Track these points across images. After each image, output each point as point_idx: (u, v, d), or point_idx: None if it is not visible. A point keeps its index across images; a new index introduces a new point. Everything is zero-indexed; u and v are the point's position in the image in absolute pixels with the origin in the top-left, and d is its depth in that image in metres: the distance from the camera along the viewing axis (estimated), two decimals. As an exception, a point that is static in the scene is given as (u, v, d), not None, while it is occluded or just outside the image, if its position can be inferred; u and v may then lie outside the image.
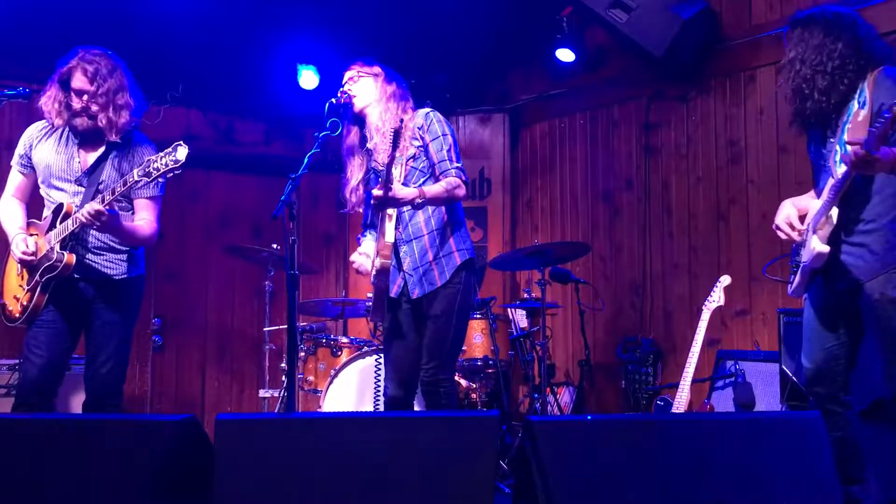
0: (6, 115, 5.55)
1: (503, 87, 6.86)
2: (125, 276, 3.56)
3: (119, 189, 3.31)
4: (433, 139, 3.57)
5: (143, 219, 3.56)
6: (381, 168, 3.46)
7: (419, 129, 3.59)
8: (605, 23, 5.31)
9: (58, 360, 3.46)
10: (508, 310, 5.84)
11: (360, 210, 3.79)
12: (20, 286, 3.48)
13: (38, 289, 3.41)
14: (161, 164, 3.18)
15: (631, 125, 5.93)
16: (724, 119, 5.32)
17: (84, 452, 2.41)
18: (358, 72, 3.66)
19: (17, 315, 3.46)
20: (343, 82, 3.66)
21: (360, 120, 3.69)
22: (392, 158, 3.35)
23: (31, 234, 3.52)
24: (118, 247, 3.54)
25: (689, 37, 5.15)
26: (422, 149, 3.58)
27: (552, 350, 6.08)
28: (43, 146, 3.55)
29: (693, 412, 4.54)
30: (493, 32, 6.29)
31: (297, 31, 5.84)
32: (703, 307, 4.43)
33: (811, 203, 3.13)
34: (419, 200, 3.42)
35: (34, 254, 3.42)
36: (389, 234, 3.49)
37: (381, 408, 4.10)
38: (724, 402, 4.56)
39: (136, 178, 3.24)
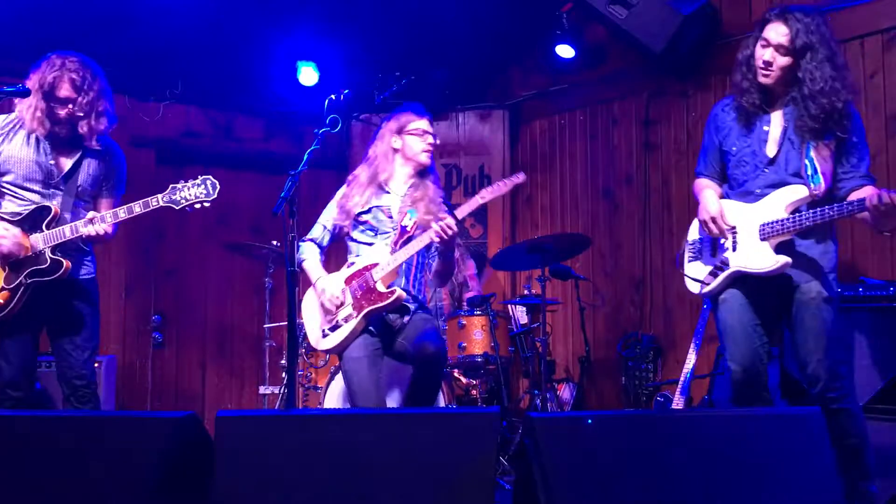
0: (5, 112, 5.53)
1: (503, 84, 6.85)
2: (89, 275, 3.66)
3: (137, 210, 3.40)
4: None
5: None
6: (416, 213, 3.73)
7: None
8: (605, 19, 5.31)
9: (29, 362, 3.51)
10: (508, 306, 5.84)
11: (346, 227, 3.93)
12: None
13: (22, 290, 3.41)
14: (190, 195, 3.35)
15: (631, 121, 5.92)
16: (724, 115, 5.31)
17: (85, 450, 2.41)
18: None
19: None
20: (431, 131, 3.83)
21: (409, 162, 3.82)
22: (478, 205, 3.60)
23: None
24: (84, 248, 3.62)
25: (688, 33, 5.15)
26: None
27: (552, 346, 6.08)
28: (12, 142, 3.51)
29: (693, 408, 4.54)
30: (493, 29, 6.27)
31: (297, 27, 5.83)
32: (704, 303, 4.42)
33: (733, 204, 3.20)
34: None
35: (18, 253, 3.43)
36: (399, 258, 3.64)
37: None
38: (724, 398, 4.55)
39: (161, 203, 3.39)
